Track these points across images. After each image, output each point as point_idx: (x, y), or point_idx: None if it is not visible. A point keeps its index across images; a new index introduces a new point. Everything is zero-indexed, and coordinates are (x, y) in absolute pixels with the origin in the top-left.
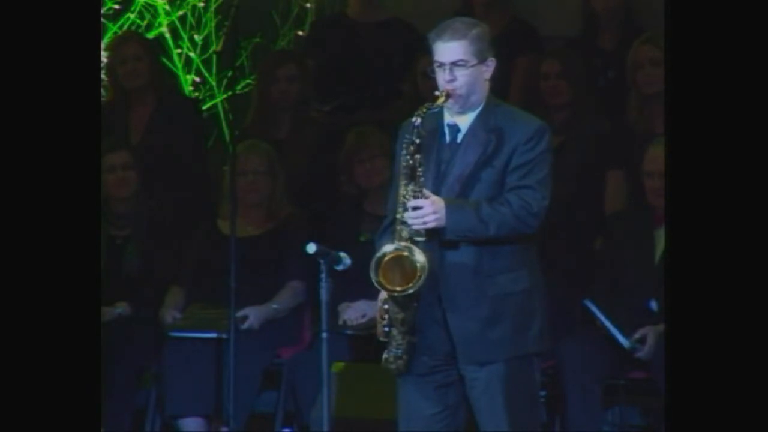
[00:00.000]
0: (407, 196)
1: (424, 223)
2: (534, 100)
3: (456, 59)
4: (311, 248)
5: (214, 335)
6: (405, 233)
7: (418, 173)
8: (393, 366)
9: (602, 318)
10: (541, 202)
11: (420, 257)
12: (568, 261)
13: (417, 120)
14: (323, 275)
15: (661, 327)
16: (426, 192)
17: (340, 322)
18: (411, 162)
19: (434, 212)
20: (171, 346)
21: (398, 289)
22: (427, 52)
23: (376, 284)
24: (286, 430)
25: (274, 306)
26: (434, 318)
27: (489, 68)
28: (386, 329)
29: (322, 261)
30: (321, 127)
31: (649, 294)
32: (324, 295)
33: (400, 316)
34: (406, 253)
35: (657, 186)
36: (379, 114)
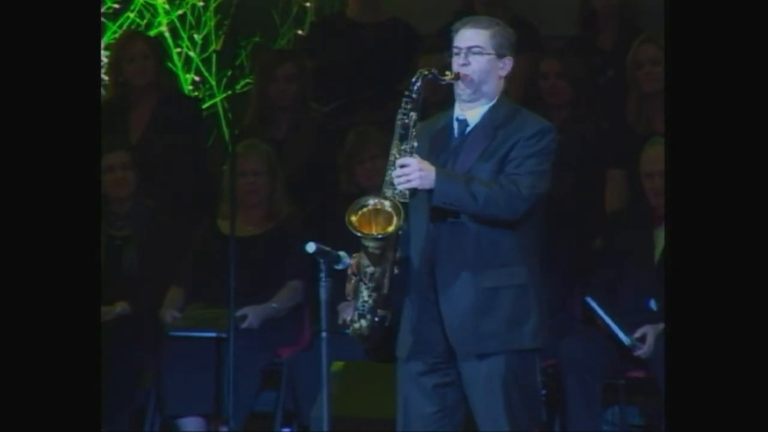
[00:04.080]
0: (397, 156)
1: (409, 180)
2: (533, 99)
3: (472, 44)
4: (310, 247)
5: (213, 335)
6: (389, 194)
7: (411, 132)
8: (356, 326)
9: (603, 315)
10: (531, 189)
11: (389, 203)
12: (568, 260)
13: (418, 79)
14: (323, 275)
15: (661, 326)
16: (416, 156)
17: (340, 322)
18: (406, 120)
19: (420, 170)
20: (170, 345)
21: (374, 233)
22: (427, 52)
23: (351, 229)
24: (286, 429)
25: (274, 305)
26: (431, 315)
27: (506, 66)
28: (355, 287)
29: (321, 260)
30: (320, 127)
31: (649, 293)
32: (323, 294)
33: (370, 270)
34: (381, 207)
35: (656, 186)
36: (378, 114)
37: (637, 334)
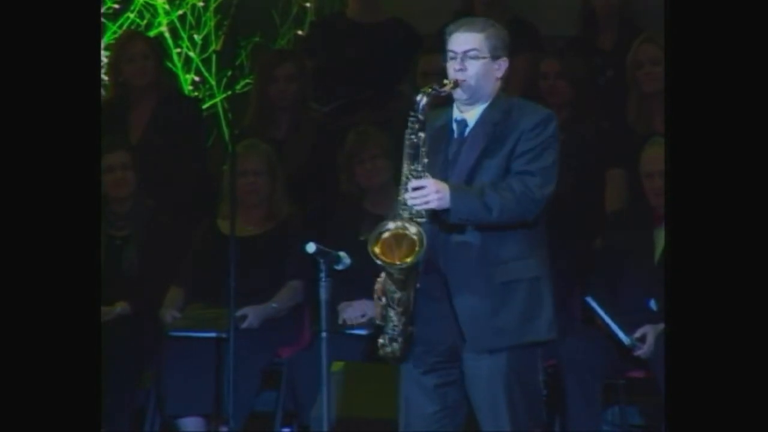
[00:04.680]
0: (409, 177)
1: (426, 202)
2: (533, 99)
3: (468, 48)
4: (311, 248)
5: (213, 335)
6: (406, 215)
7: (422, 152)
8: (389, 349)
9: (603, 314)
10: (544, 189)
11: (414, 229)
12: (568, 260)
13: (422, 98)
14: (323, 275)
15: (661, 326)
16: (428, 175)
17: (340, 322)
18: (415, 140)
19: (437, 191)
20: (170, 345)
21: (397, 262)
22: (427, 52)
23: (375, 259)
24: (286, 429)
25: (274, 305)
26: (439, 312)
27: (501, 68)
28: (384, 312)
29: (321, 260)
30: (320, 127)
31: (649, 293)
32: (323, 294)
33: (397, 295)
34: (402, 231)
35: (656, 186)
36: (378, 114)
37: (637, 334)
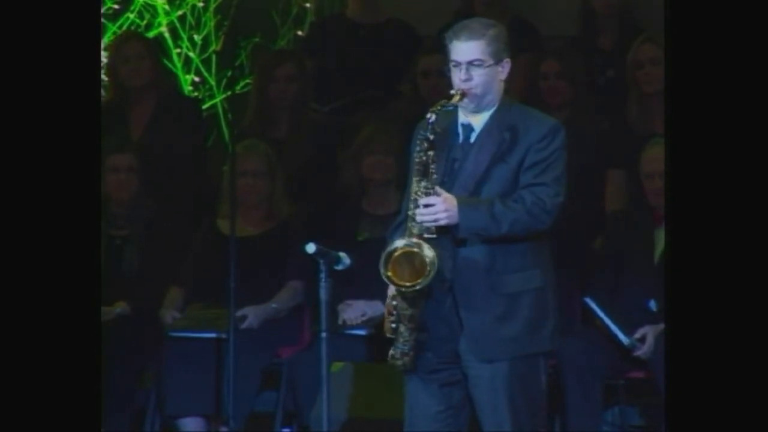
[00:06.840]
0: (419, 193)
1: (436, 220)
2: (533, 99)
3: (473, 59)
4: (310, 248)
5: (213, 335)
6: (416, 230)
7: (431, 170)
8: (399, 362)
9: (602, 315)
10: (555, 199)
11: (429, 253)
12: (568, 260)
13: (431, 116)
14: (323, 275)
15: (661, 326)
16: (438, 189)
17: (340, 322)
18: (424, 158)
19: (446, 210)
20: (171, 346)
21: (407, 284)
22: (427, 52)
23: (385, 279)
24: (286, 429)
25: (274, 306)
26: (442, 316)
27: (504, 69)
28: (394, 326)
29: (321, 261)
30: (320, 127)
31: (649, 294)
32: (323, 294)
33: (409, 312)
34: (416, 249)
35: (656, 186)
36: (378, 114)
37: (637, 334)
